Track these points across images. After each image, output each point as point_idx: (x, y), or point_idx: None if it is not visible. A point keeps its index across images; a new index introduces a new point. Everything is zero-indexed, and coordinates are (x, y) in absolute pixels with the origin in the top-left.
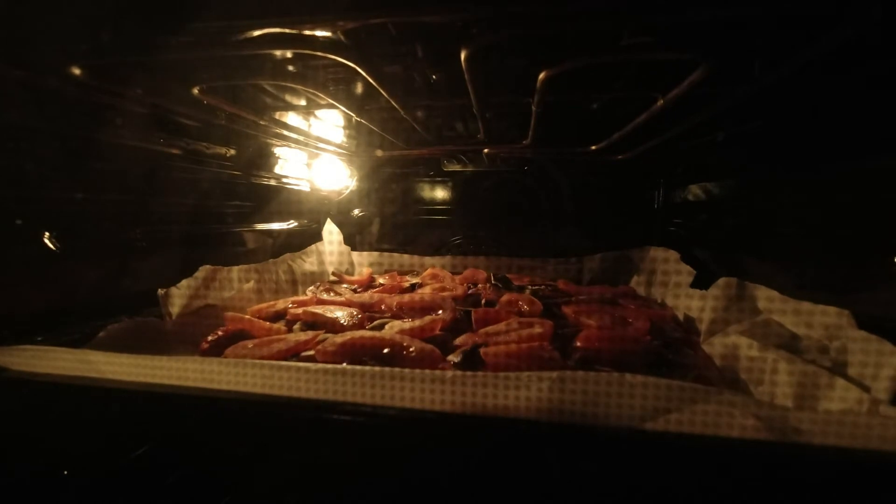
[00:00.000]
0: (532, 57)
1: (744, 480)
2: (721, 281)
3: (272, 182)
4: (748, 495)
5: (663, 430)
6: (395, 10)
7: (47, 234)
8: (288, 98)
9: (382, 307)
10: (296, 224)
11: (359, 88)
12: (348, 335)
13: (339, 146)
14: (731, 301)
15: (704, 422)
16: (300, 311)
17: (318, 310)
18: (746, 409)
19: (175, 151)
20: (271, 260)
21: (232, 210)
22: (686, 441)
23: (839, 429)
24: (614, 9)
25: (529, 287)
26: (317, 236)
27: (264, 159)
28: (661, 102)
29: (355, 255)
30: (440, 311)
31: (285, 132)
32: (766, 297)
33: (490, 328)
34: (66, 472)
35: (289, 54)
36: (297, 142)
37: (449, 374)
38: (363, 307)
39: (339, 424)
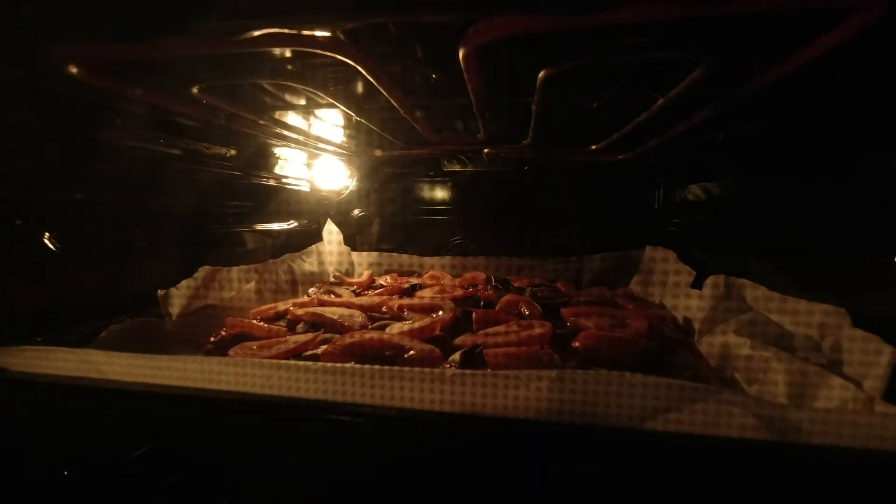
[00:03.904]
0: (532, 57)
1: (743, 479)
2: (710, 280)
3: (272, 182)
4: (748, 494)
5: (663, 429)
6: (394, 10)
7: (47, 234)
8: (288, 98)
9: (383, 309)
10: (296, 224)
11: (359, 88)
12: (348, 336)
13: (338, 146)
14: (723, 300)
15: (704, 421)
16: (302, 311)
17: (321, 311)
18: (746, 408)
19: (175, 151)
20: (271, 260)
21: (232, 210)
22: (686, 440)
23: (838, 428)
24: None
25: (529, 288)
26: (317, 236)
27: (264, 159)
28: (660, 102)
29: (355, 256)
30: (440, 312)
31: (285, 132)
32: (760, 296)
33: (490, 329)
34: (66, 472)
35: (288, 53)
36: (296, 142)
37: (449, 373)
38: (364, 309)
39: (339, 424)
